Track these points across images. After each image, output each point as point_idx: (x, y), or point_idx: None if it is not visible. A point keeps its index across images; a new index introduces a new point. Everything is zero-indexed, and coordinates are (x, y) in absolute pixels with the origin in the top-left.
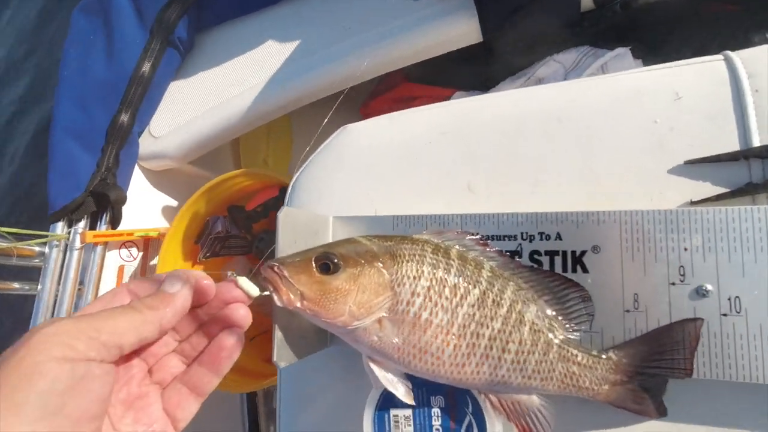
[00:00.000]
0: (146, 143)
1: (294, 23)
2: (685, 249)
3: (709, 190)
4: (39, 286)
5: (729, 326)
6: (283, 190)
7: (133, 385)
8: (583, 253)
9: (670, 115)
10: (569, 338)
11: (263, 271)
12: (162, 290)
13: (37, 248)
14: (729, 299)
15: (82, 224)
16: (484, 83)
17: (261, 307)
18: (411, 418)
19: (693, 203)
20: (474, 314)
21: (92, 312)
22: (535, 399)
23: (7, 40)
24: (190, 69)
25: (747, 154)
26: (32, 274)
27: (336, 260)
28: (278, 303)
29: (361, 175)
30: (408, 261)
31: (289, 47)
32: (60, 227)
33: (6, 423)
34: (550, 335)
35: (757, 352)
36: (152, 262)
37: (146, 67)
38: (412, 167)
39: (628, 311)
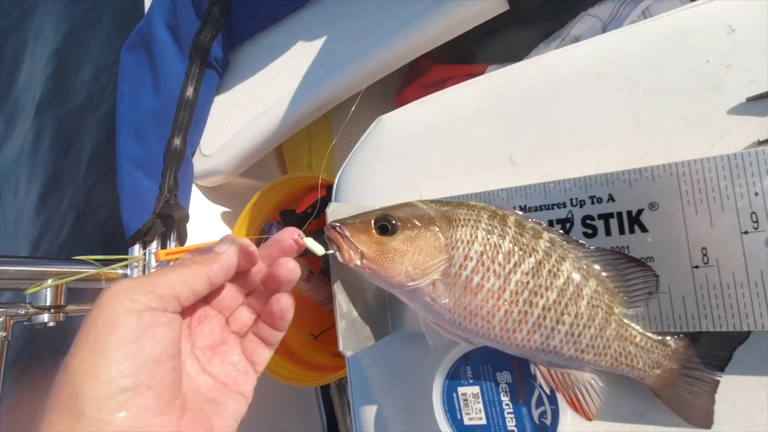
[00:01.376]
0: (199, 162)
1: (318, 25)
2: (756, 193)
3: None
4: None
5: None
6: (331, 189)
7: (216, 333)
8: (640, 212)
9: (725, 50)
10: (629, 315)
11: (326, 231)
12: (212, 250)
13: (120, 271)
14: None
15: (154, 244)
16: (517, 53)
17: (324, 306)
18: (479, 395)
19: (761, 143)
20: (528, 282)
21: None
22: (586, 373)
23: (80, 87)
24: (228, 86)
25: None
26: None
27: (394, 222)
28: (340, 260)
29: (401, 162)
30: (463, 225)
31: (317, 49)
32: (136, 249)
33: (97, 367)
34: (609, 313)
35: None
36: None
37: (190, 92)
38: (451, 148)
39: (696, 267)
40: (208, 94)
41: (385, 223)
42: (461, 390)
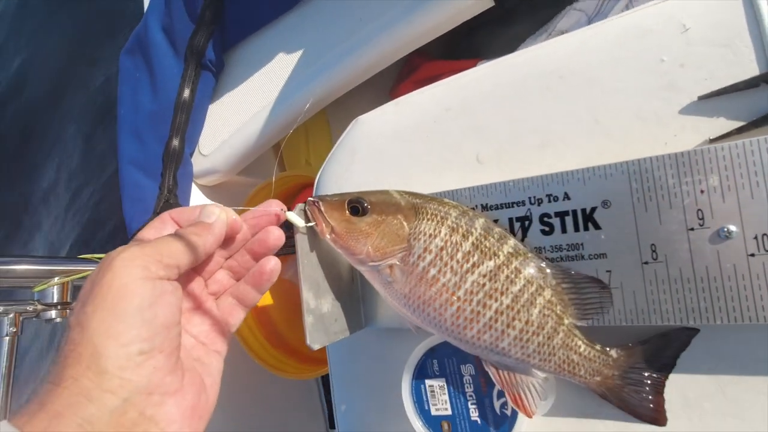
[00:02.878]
0: (198, 162)
1: (308, 26)
2: (702, 191)
3: (729, 124)
4: None
5: (758, 266)
6: None
7: (195, 295)
8: (594, 209)
9: (678, 49)
10: (577, 326)
11: (306, 204)
12: (201, 220)
13: None
14: (755, 238)
15: None
16: (507, 47)
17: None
18: (445, 387)
19: (712, 141)
20: (484, 284)
21: (149, 238)
22: (530, 376)
23: (85, 90)
24: (225, 87)
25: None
26: None
27: (365, 205)
28: (317, 230)
29: (376, 162)
30: (429, 219)
31: (309, 48)
32: None
33: (118, 330)
34: (559, 323)
35: None
36: None
37: (186, 93)
38: (422, 147)
39: (646, 263)
40: (204, 96)
41: (357, 205)
42: (428, 382)
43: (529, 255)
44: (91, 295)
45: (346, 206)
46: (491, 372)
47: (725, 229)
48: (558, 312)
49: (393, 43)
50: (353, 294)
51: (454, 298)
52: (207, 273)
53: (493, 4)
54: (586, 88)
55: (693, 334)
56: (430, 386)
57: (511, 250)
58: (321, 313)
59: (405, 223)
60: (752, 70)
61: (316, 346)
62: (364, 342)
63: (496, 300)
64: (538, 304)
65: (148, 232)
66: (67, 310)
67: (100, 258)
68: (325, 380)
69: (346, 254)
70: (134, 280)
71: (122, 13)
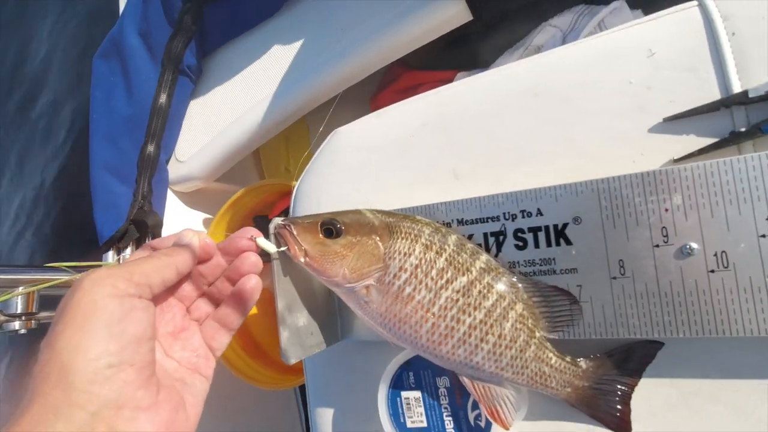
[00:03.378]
0: (174, 168)
1: (290, 33)
2: (666, 210)
3: (692, 145)
4: None
5: (718, 282)
6: None
7: (177, 321)
8: (565, 225)
9: (645, 73)
10: (548, 339)
11: (277, 228)
12: (175, 243)
13: None
14: (715, 255)
15: (129, 250)
16: (485, 59)
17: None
18: (420, 399)
19: (675, 161)
20: (458, 300)
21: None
22: (504, 388)
23: (50, 91)
24: (202, 93)
25: (727, 102)
26: None
27: (339, 226)
28: (290, 255)
29: (353, 174)
30: (403, 238)
31: (290, 56)
32: (110, 256)
33: (85, 345)
34: (531, 336)
35: (748, 305)
36: None
37: (163, 98)
38: (399, 161)
39: (614, 278)
40: (181, 101)
41: (330, 227)
42: (404, 395)
43: (501, 270)
44: (61, 315)
45: (319, 228)
46: (467, 386)
47: (687, 247)
48: (530, 325)
49: (373, 53)
50: (330, 308)
51: (429, 314)
52: (187, 299)
53: (471, 18)
54: (560, 107)
55: (658, 347)
56: (405, 398)
57: (483, 266)
58: (297, 327)
59: (380, 243)
60: (714, 95)
61: (292, 361)
62: (341, 354)
63: (469, 315)
64: (511, 318)
65: (130, 260)
66: (32, 321)
67: (69, 266)
68: (303, 390)
69: (322, 277)
70: (102, 297)
71: (92, 16)
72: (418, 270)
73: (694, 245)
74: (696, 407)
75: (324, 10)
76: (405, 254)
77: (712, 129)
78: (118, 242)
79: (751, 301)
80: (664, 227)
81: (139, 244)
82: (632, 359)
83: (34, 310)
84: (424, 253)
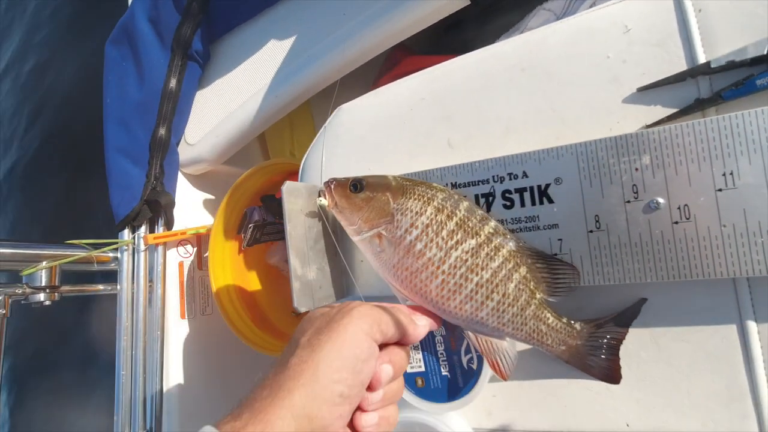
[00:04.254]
0: (184, 151)
1: (293, 19)
2: (636, 169)
3: (662, 112)
4: (118, 286)
5: (681, 232)
6: None
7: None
8: (548, 186)
9: (621, 48)
10: (547, 301)
11: (323, 184)
12: (413, 319)
13: (111, 254)
14: (679, 208)
15: (143, 229)
16: (482, 43)
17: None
18: (419, 346)
19: (647, 126)
20: (467, 260)
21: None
22: (505, 342)
23: (65, 78)
24: (211, 78)
25: (693, 73)
26: (112, 277)
27: (363, 183)
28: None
29: (356, 147)
30: (416, 199)
31: (295, 41)
32: (126, 234)
33: (336, 366)
34: (531, 297)
35: (707, 252)
36: (205, 255)
37: (173, 83)
38: (398, 133)
39: (591, 231)
40: (190, 86)
41: (356, 183)
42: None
43: (508, 236)
44: (326, 328)
45: (348, 185)
46: (471, 340)
47: (655, 201)
48: (531, 287)
49: (375, 38)
50: (337, 266)
51: (439, 271)
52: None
53: (469, 2)
54: (544, 80)
55: (642, 302)
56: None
57: (491, 231)
58: (307, 279)
59: (391, 200)
60: (681, 66)
61: (302, 309)
62: None
63: (477, 274)
64: (515, 279)
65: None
66: (56, 294)
67: (87, 243)
68: None
69: (345, 224)
70: (362, 332)
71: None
72: (429, 229)
73: (661, 200)
74: (664, 345)
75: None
76: (416, 213)
77: (680, 97)
78: (133, 221)
79: (709, 248)
80: (634, 185)
81: (152, 223)
82: (622, 316)
83: (56, 284)
84: (435, 215)
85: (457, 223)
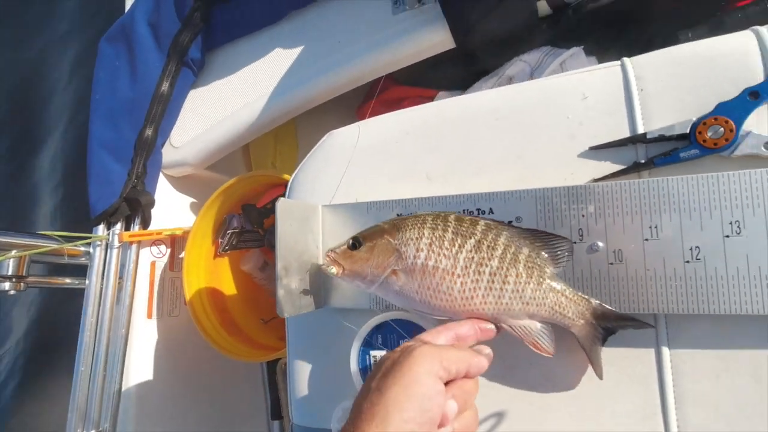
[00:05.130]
0: (168, 153)
1: (291, 40)
2: (583, 215)
3: (608, 169)
4: (87, 281)
5: (614, 272)
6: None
7: None
8: (510, 222)
9: (579, 112)
10: (558, 274)
11: (326, 257)
12: (478, 349)
13: (82, 248)
14: (614, 252)
15: (118, 226)
16: (463, 82)
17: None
18: None
19: (595, 180)
20: (473, 257)
21: (444, 338)
22: (537, 324)
23: (44, 67)
24: (203, 85)
25: (633, 140)
26: (81, 271)
27: (359, 239)
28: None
29: (344, 171)
30: (410, 228)
31: (288, 61)
32: (101, 229)
33: (405, 407)
34: (542, 272)
35: (634, 290)
36: (180, 256)
37: (165, 86)
38: (383, 162)
39: None
40: (182, 90)
41: (354, 242)
42: (373, 353)
43: (501, 226)
44: (392, 371)
45: (347, 246)
46: (510, 332)
47: (595, 244)
48: (539, 263)
49: (365, 68)
50: (318, 278)
51: (455, 276)
52: None
53: (454, 46)
54: (514, 130)
55: (647, 328)
56: (374, 356)
57: (483, 227)
58: (290, 288)
59: (390, 239)
60: (624, 133)
61: (285, 314)
62: (321, 318)
63: (486, 265)
64: (522, 260)
65: (443, 334)
66: (21, 284)
67: (60, 236)
68: (270, 366)
69: (359, 281)
70: (425, 371)
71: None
72: (433, 246)
73: (600, 244)
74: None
75: (324, 24)
76: (417, 238)
77: (622, 159)
78: (110, 217)
79: (636, 288)
80: (580, 229)
81: (129, 221)
82: (622, 324)
83: (24, 274)
84: (433, 233)
85: (453, 232)
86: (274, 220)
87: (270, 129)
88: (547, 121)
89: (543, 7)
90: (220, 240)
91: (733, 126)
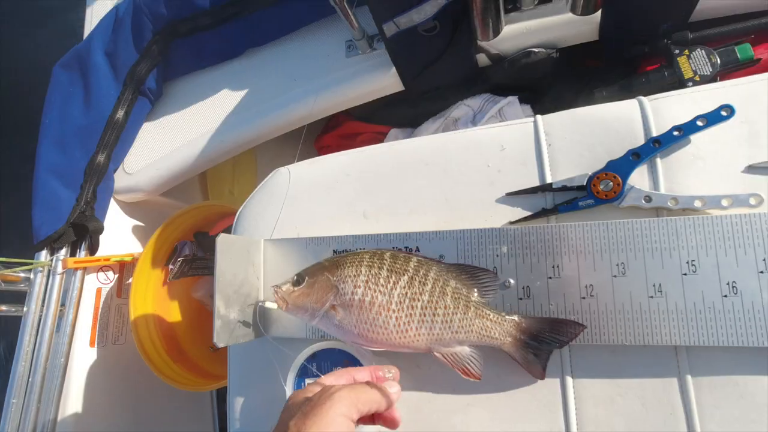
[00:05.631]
0: (121, 179)
1: (249, 75)
2: (497, 255)
3: (520, 213)
4: (24, 308)
5: (523, 307)
6: None
7: None
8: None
9: (498, 161)
10: (482, 302)
11: (273, 292)
12: (386, 387)
13: (22, 274)
14: (523, 288)
15: (63, 252)
16: (413, 121)
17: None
18: None
19: (510, 223)
20: (407, 293)
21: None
22: (466, 349)
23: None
24: (160, 113)
25: (542, 189)
26: (19, 298)
27: (303, 276)
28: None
29: (287, 207)
30: (349, 266)
31: (246, 94)
32: (44, 255)
33: None
34: (468, 301)
35: None
36: (128, 282)
37: (120, 114)
38: (324, 200)
39: None
40: (138, 119)
41: (297, 278)
42: (307, 381)
43: (430, 262)
44: (311, 413)
45: (291, 283)
46: (440, 359)
47: (507, 281)
48: (464, 294)
49: (318, 106)
50: (257, 309)
51: (390, 311)
52: None
53: (403, 88)
54: (442, 175)
55: (580, 329)
56: (308, 383)
57: (416, 264)
58: (228, 319)
59: (330, 276)
60: (535, 182)
61: (221, 345)
62: (259, 348)
63: (418, 300)
64: (449, 293)
65: (331, 379)
66: None
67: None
68: (218, 393)
69: (301, 315)
70: (341, 414)
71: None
72: (369, 283)
73: (512, 281)
74: (511, 393)
75: (280, 62)
76: (354, 276)
77: (533, 205)
78: (54, 243)
79: None
80: (495, 267)
81: (75, 247)
82: (561, 333)
83: None
84: (369, 270)
85: (387, 270)
86: None
87: (225, 159)
88: (471, 168)
89: (483, 59)
90: (170, 267)
91: (620, 181)
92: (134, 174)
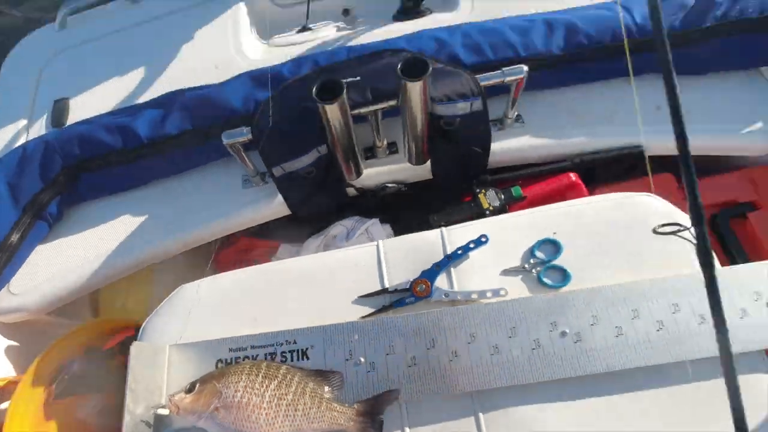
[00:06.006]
0: (3, 299)
1: (151, 202)
2: (351, 341)
3: (368, 310)
4: None
5: (371, 379)
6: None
7: None
8: (306, 349)
9: (353, 274)
10: (332, 397)
11: (168, 400)
12: None
13: None
14: (370, 363)
15: None
16: (300, 237)
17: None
18: None
19: (362, 317)
20: (276, 393)
21: None
22: None
23: None
24: (56, 235)
25: (383, 292)
26: None
27: (195, 383)
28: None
29: (191, 319)
30: (233, 374)
31: (146, 219)
32: None
33: None
34: (321, 398)
35: (383, 388)
36: (2, 407)
37: (15, 238)
38: (223, 309)
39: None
40: (32, 241)
41: (191, 386)
42: None
43: (295, 371)
44: None
45: (184, 390)
46: None
47: (359, 360)
48: (319, 393)
49: (215, 229)
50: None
51: (262, 409)
52: None
53: (290, 213)
54: (317, 287)
55: (397, 393)
56: None
57: (285, 371)
58: (135, 415)
59: (216, 383)
60: (378, 287)
61: None
62: None
63: (283, 399)
64: (307, 392)
65: None
66: None
67: None
68: None
69: (191, 417)
70: None
71: None
72: (247, 387)
73: (362, 359)
74: None
75: (182, 191)
76: (236, 382)
77: (376, 303)
78: None
79: (384, 386)
80: (350, 350)
81: None
82: (385, 402)
83: None
84: (248, 377)
85: (263, 376)
86: (120, 361)
87: (119, 278)
88: (337, 281)
89: (351, 191)
90: (54, 387)
91: (429, 284)
92: (20, 294)
